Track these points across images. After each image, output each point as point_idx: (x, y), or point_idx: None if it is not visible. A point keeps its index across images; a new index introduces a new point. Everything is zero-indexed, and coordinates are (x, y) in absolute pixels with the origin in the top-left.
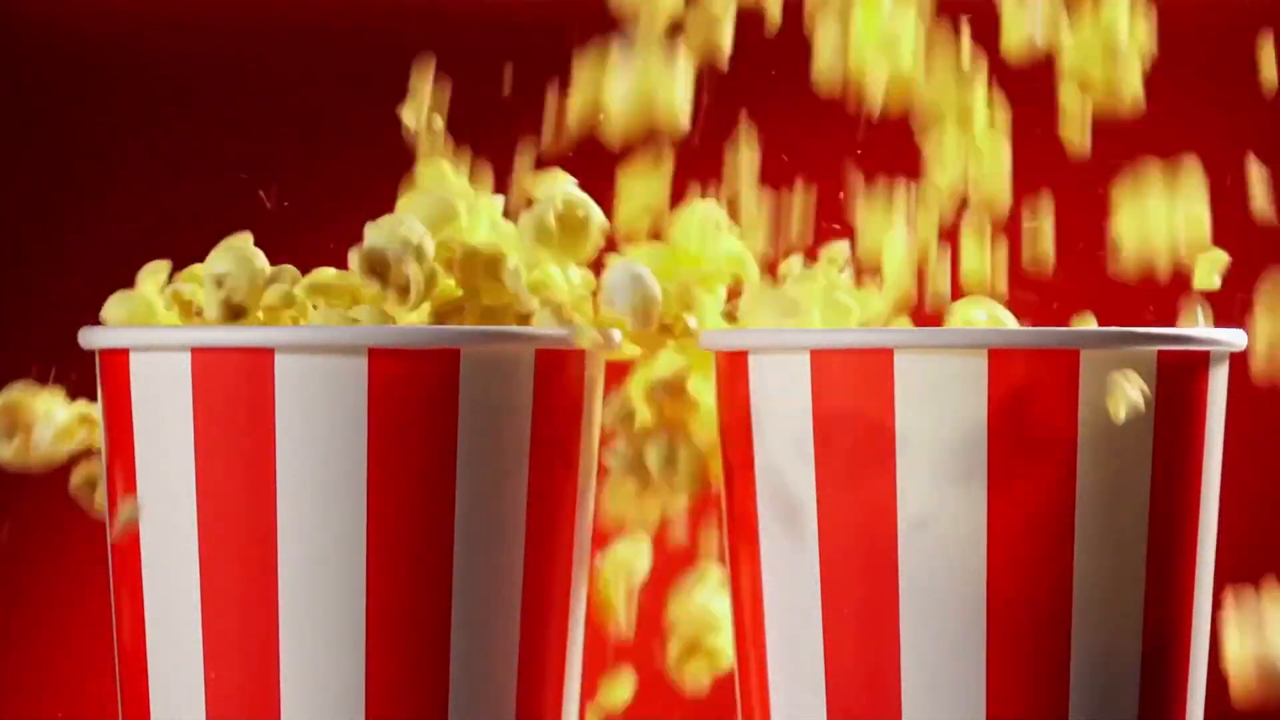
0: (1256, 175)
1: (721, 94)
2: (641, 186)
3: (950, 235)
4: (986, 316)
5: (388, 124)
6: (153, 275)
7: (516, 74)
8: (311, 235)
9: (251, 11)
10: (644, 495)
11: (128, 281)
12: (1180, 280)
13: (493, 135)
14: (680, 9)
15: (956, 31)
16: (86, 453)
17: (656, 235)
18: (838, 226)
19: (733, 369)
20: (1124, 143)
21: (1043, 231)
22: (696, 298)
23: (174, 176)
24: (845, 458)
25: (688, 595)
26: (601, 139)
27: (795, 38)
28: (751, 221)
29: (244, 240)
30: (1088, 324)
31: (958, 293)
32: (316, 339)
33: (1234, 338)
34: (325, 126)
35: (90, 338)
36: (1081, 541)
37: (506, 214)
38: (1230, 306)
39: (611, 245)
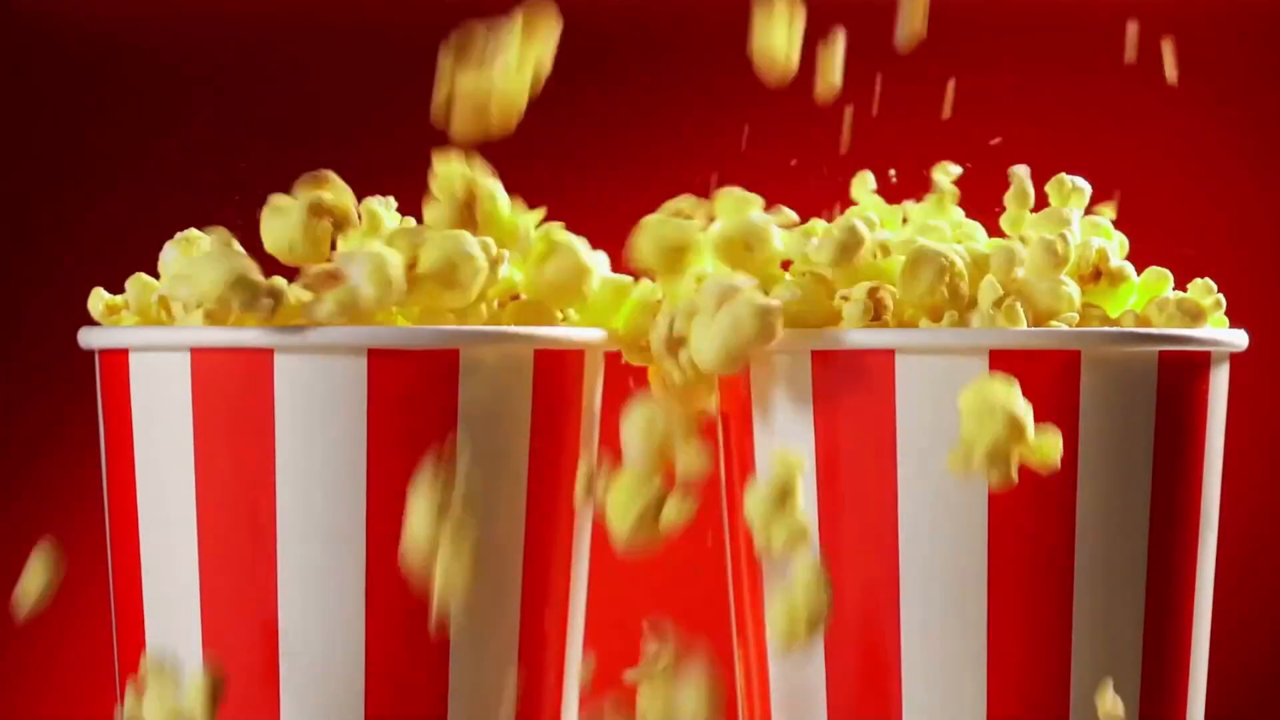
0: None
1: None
2: None
3: None
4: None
5: (396, 122)
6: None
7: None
8: None
9: (256, 7)
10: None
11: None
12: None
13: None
14: None
15: None
16: None
17: None
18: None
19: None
20: (1133, 140)
21: None
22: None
23: (176, 175)
24: (845, 458)
25: None
26: None
27: None
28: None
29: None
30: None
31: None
32: (316, 339)
33: (1234, 338)
34: (332, 124)
35: (90, 338)
36: (1082, 541)
37: None
38: (1232, 307)
39: None
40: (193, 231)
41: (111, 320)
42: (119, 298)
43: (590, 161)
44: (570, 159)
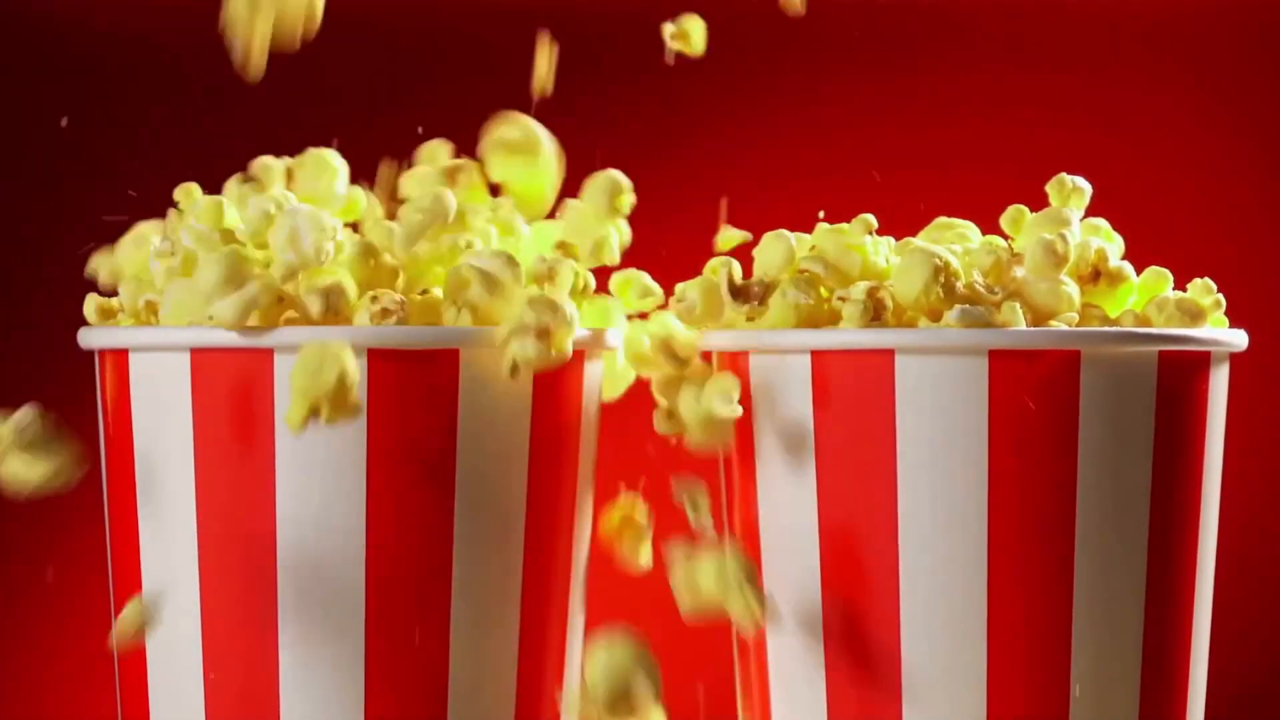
0: None
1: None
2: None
3: None
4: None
5: (397, 121)
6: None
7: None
8: None
9: None
10: None
11: None
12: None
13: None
14: None
15: None
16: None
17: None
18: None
19: (732, 369)
20: (1126, 142)
21: None
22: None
23: (176, 174)
24: (845, 458)
25: None
26: None
27: None
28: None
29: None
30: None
31: None
32: (316, 339)
33: (1234, 338)
34: (334, 124)
35: (90, 338)
36: (1081, 542)
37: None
38: (1232, 307)
39: None
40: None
41: (107, 323)
42: (114, 300)
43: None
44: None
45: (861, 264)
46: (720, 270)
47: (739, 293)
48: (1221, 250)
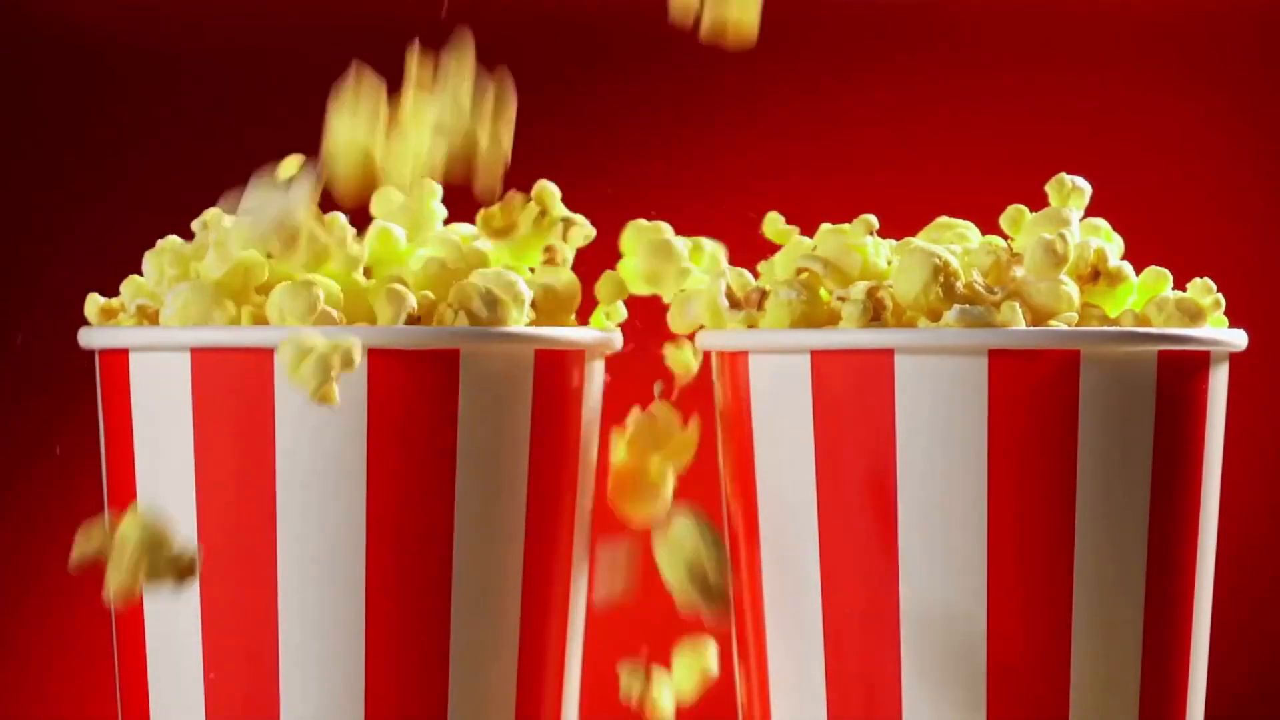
0: None
1: None
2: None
3: None
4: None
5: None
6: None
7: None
8: None
9: (256, 8)
10: None
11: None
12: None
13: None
14: None
15: None
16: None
17: None
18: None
19: (733, 369)
20: (1125, 136)
21: None
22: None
23: (175, 174)
24: (845, 458)
25: None
26: None
27: None
28: None
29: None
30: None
31: None
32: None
33: (1234, 338)
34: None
35: (90, 338)
36: (1081, 542)
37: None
38: (1232, 307)
39: None
40: (173, 239)
41: (107, 323)
42: (114, 300)
43: (587, 163)
44: (567, 159)
45: (861, 264)
46: (718, 282)
47: (737, 303)
48: (1221, 250)
